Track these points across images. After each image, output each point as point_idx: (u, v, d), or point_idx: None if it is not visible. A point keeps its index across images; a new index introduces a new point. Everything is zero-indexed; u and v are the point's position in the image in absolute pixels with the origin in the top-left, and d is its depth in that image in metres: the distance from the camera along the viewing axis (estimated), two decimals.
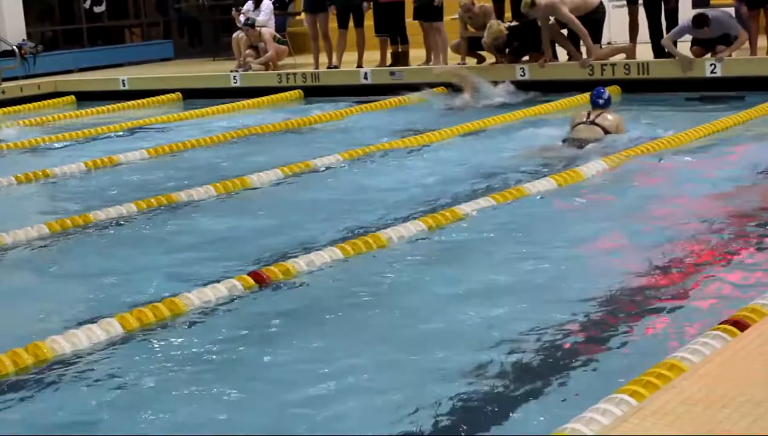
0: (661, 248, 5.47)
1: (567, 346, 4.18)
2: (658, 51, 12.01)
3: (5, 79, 15.72)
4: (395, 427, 3.52)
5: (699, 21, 10.97)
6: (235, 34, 15.32)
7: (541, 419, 3.49)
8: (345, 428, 3.56)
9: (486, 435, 3.48)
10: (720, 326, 3.78)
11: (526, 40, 12.66)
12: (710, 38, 11.27)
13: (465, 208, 6.42)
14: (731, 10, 11.63)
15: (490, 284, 5.06)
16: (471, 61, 13.51)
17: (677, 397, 2.97)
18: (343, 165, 8.56)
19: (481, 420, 3.57)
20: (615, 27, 13.79)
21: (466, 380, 3.86)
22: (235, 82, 14.54)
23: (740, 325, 3.74)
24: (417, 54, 14.09)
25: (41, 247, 6.40)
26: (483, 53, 13.44)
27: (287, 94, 13.80)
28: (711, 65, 11.31)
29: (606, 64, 12.01)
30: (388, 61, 14.08)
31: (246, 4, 15.46)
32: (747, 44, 11.68)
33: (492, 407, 3.67)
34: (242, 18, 15.20)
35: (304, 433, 3.55)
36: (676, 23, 11.69)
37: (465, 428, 3.53)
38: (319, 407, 3.72)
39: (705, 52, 11.50)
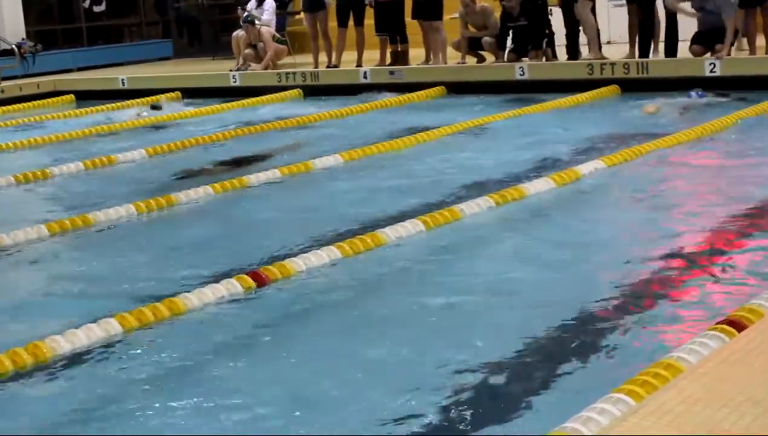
0: (658, 247, 5.47)
1: (565, 345, 4.18)
2: (644, 51, 12.04)
3: (4, 79, 15.72)
4: (394, 426, 3.52)
5: None
6: (234, 34, 15.30)
7: (539, 418, 3.48)
8: (344, 427, 3.56)
9: (484, 435, 3.47)
10: (717, 326, 3.78)
11: (528, 34, 12.64)
12: (709, 29, 11.29)
13: (463, 207, 6.42)
14: None
15: (488, 283, 5.06)
16: (471, 60, 13.51)
17: (677, 396, 2.97)
18: (342, 165, 8.55)
19: (479, 420, 3.57)
20: (615, 26, 13.80)
21: (465, 379, 3.86)
22: (234, 82, 14.54)
23: (737, 325, 3.73)
24: (417, 53, 14.10)
25: (41, 247, 6.40)
26: (483, 52, 13.44)
27: (287, 93, 13.80)
28: (710, 64, 11.31)
29: (605, 64, 12.02)
30: (388, 60, 14.08)
31: (249, 3, 15.46)
32: (746, 44, 11.71)
33: (490, 407, 3.67)
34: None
35: (306, 433, 3.55)
36: (675, 27, 11.71)
37: (463, 427, 3.53)
38: (320, 407, 3.72)
39: (705, 51, 11.51)
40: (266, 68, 14.70)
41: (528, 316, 4.51)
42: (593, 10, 12.32)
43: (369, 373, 3.99)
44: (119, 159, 9.47)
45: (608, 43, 13.02)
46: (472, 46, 13.37)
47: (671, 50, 11.96)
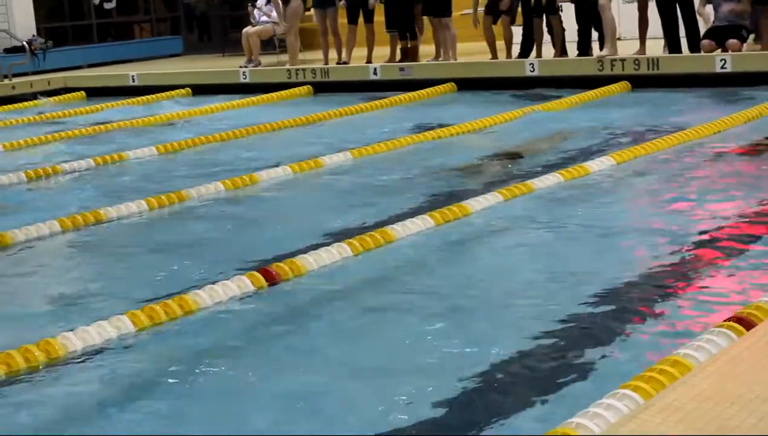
0: (665, 244, 5.47)
1: (571, 342, 4.17)
2: (679, 46, 12.00)
3: (15, 75, 15.77)
4: (396, 425, 3.51)
5: None
6: (245, 30, 15.34)
7: (545, 414, 3.48)
8: (347, 426, 3.56)
9: (486, 434, 3.48)
10: (724, 323, 3.77)
11: None
12: (723, 26, 11.28)
13: (473, 203, 6.43)
14: None
15: (494, 280, 5.07)
16: (485, 54, 13.50)
17: (687, 393, 2.98)
18: (351, 162, 8.57)
19: (481, 417, 3.56)
20: (625, 23, 13.78)
21: (470, 376, 3.86)
22: (244, 78, 14.56)
23: (744, 322, 3.72)
24: (426, 50, 14.09)
25: (52, 243, 6.42)
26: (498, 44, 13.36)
27: (297, 89, 13.82)
28: (721, 61, 11.28)
29: (616, 60, 12.00)
30: (398, 57, 14.08)
31: (259, 0, 15.51)
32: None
33: (494, 405, 3.66)
34: (256, 14, 15.26)
35: (313, 432, 3.56)
36: (693, 16, 11.68)
37: (465, 425, 3.53)
38: (326, 405, 3.73)
39: (716, 47, 11.49)
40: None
41: (535, 312, 4.51)
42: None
43: (377, 370, 4.00)
44: (129, 155, 9.50)
45: (618, 39, 12.99)
46: (492, 11, 13.20)
47: (677, 47, 11.95)
